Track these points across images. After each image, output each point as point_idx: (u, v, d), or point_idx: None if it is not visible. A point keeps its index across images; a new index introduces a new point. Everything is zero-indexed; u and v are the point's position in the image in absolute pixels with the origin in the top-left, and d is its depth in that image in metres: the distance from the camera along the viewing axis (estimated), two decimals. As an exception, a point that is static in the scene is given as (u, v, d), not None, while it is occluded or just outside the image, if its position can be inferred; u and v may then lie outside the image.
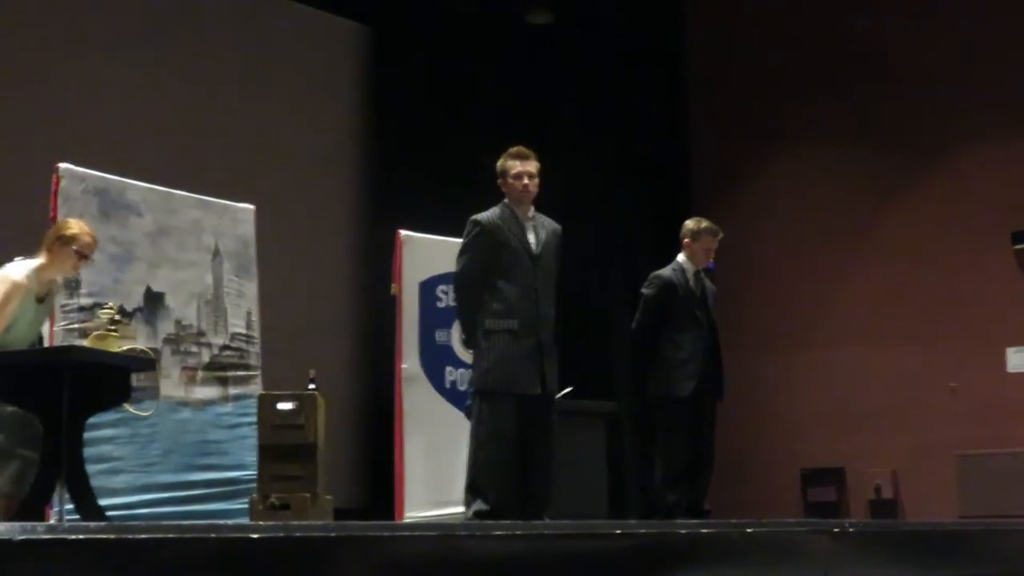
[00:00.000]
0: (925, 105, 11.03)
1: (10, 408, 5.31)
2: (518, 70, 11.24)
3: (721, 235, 7.23)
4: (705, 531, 3.18)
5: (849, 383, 11.02)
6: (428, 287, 7.91)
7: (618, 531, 2.97)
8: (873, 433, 10.76)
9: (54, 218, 6.51)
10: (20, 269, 5.52)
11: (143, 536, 2.14)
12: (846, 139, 11.44)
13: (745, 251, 10.90)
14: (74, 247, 5.63)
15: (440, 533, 2.68)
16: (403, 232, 7.89)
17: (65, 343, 6.21)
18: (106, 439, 6.51)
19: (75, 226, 5.73)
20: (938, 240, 10.94)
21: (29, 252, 6.46)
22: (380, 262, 8.43)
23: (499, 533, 2.79)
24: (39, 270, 5.56)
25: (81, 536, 2.07)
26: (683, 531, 3.12)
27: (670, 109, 11.96)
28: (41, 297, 5.61)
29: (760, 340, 11.25)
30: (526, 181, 6.14)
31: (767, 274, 11.52)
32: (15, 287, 5.42)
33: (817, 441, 10.99)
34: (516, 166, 6.15)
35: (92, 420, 5.72)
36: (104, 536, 2.10)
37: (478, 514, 5.88)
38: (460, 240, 6.20)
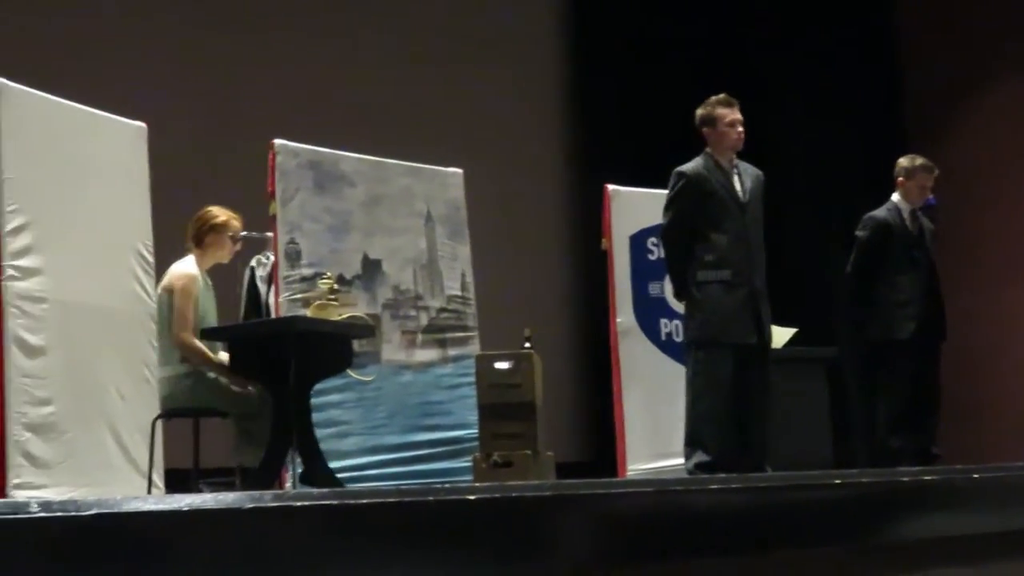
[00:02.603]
0: None
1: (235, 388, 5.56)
2: (720, 17, 11.05)
3: (936, 171, 7.00)
4: (928, 478, 3.10)
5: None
6: (638, 240, 7.89)
7: (837, 480, 2.93)
8: (1112, 368, 10.24)
9: (272, 193, 6.73)
10: (186, 265, 5.74)
11: (365, 501, 2.21)
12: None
13: (968, 185, 10.48)
14: (228, 234, 5.82)
15: (656, 489, 2.69)
16: (611, 187, 7.87)
17: (289, 313, 6.44)
18: (334, 404, 6.71)
19: (222, 213, 5.88)
20: None
21: (254, 228, 6.73)
22: (589, 218, 8.45)
23: (715, 487, 2.79)
24: (198, 264, 5.77)
25: (306, 503, 2.15)
26: (905, 479, 3.05)
27: (879, 46, 11.57)
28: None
29: (991, 275, 10.81)
30: (740, 129, 6.08)
31: (996, 207, 11.04)
32: (192, 279, 5.65)
33: (1053, 378, 10.51)
34: (729, 114, 6.09)
35: (320, 386, 5.92)
36: (328, 502, 2.17)
37: (699, 466, 5.87)
38: (667, 191, 6.18)
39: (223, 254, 5.91)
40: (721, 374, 5.93)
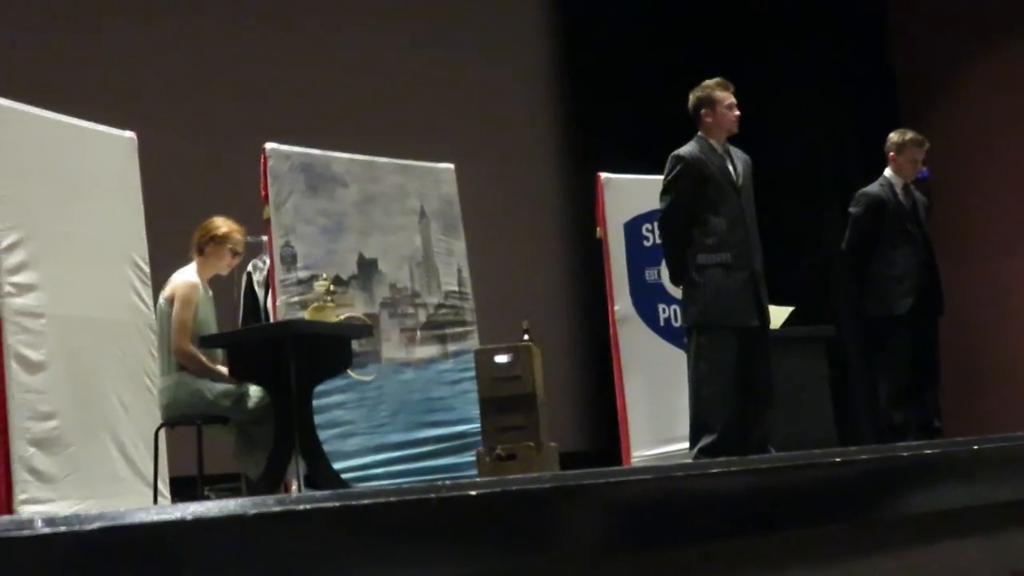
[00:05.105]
0: None
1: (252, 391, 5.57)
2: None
3: (927, 145, 6.99)
4: (929, 452, 3.08)
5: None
6: (633, 227, 7.89)
7: (837, 459, 2.92)
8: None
9: (265, 197, 6.74)
10: (188, 273, 5.78)
11: (367, 501, 2.21)
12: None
13: (962, 157, 10.47)
14: (228, 246, 5.85)
15: (655, 476, 2.68)
16: (603, 175, 7.88)
17: (288, 316, 6.45)
18: (336, 405, 6.74)
19: (224, 225, 5.91)
20: None
21: (249, 233, 6.73)
22: (583, 207, 8.46)
23: (716, 471, 2.78)
24: (199, 272, 5.81)
25: (308, 506, 2.15)
26: (905, 453, 3.04)
27: (870, 20, 11.55)
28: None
29: (988, 247, 10.80)
30: (737, 112, 6.09)
31: (990, 178, 11.02)
32: (193, 287, 5.69)
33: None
34: (727, 96, 6.09)
35: (321, 388, 5.93)
36: (330, 504, 2.17)
37: (704, 450, 5.86)
38: (659, 177, 6.16)
39: (222, 265, 5.94)
40: (725, 358, 5.91)
